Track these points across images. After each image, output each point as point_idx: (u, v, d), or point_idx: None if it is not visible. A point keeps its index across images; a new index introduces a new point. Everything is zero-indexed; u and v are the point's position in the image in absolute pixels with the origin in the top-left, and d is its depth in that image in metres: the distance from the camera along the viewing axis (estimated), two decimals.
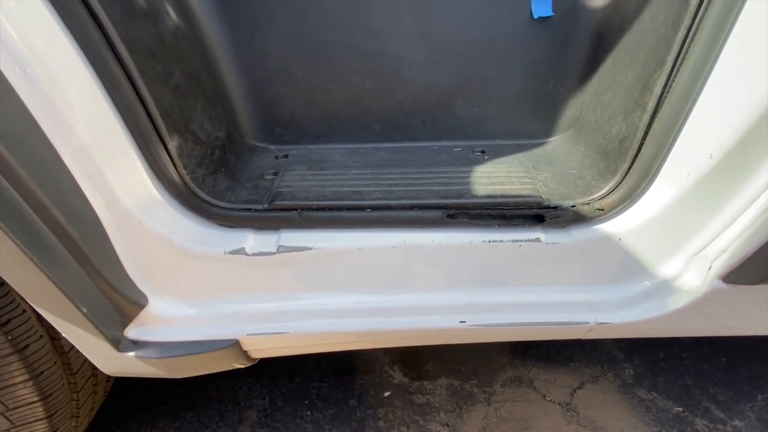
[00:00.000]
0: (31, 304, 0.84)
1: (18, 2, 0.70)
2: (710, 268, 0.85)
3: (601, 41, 1.10)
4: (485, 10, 1.14)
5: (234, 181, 1.06)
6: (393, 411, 1.48)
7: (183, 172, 0.92)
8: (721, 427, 1.41)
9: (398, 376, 1.60)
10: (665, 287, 0.93)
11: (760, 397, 1.50)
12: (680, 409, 1.46)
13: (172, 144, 0.89)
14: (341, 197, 0.97)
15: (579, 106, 1.17)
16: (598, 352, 1.67)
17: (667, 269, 0.93)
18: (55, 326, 0.88)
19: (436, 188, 1.00)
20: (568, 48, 1.14)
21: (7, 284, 0.88)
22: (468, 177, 1.04)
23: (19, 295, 0.91)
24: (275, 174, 1.09)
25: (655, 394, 1.51)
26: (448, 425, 1.43)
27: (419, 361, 1.65)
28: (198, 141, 0.99)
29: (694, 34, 0.77)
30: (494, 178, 1.04)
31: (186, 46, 1.04)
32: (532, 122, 1.23)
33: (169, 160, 0.90)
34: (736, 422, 1.42)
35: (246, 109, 1.21)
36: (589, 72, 1.13)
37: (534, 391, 1.53)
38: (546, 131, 1.23)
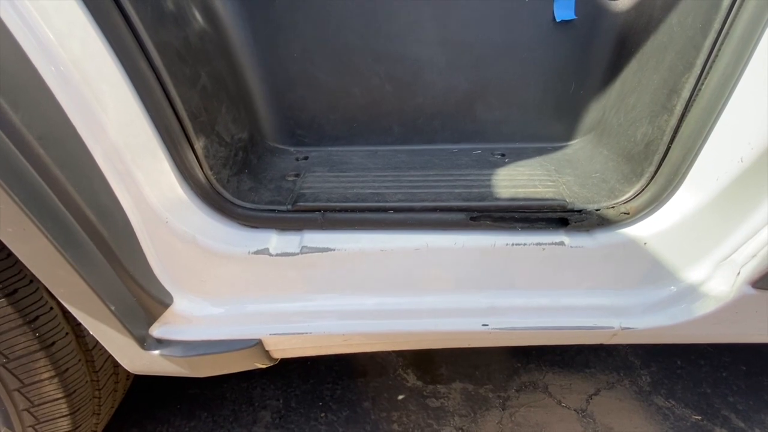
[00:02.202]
0: (61, 301, 0.85)
1: (55, 5, 0.71)
2: (739, 273, 0.84)
3: (624, 44, 1.10)
4: (507, 14, 1.14)
5: (257, 182, 1.07)
6: (407, 414, 1.47)
7: (209, 173, 0.93)
8: None
9: (412, 380, 1.59)
10: (692, 292, 0.92)
11: None
12: (699, 418, 1.44)
13: (199, 145, 0.90)
14: (364, 199, 0.98)
15: (601, 109, 1.17)
16: (614, 358, 1.65)
17: (694, 274, 0.92)
18: (83, 323, 0.89)
19: (457, 191, 1.00)
20: (590, 51, 1.14)
21: (36, 282, 0.90)
22: (490, 179, 1.04)
23: (47, 293, 0.92)
24: (297, 175, 1.10)
25: (672, 402, 1.49)
26: (462, 429, 1.42)
27: (433, 365, 1.64)
28: (223, 142, 1.01)
29: (725, 37, 0.77)
30: (516, 180, 1.03)
31: (212, 49, 1.05)
32: (552, 125, 1.22)
33: (195, 161, 0.91)
34: (757, 431, 1.39)
35: (268, 111, 1.22)
36: (611, 75, 1.13)
37: (549, 397, 1.52)
38: (567, 134, 1.22)
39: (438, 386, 1.56)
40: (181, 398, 1.53)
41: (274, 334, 0.97)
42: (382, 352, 1.68)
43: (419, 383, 1.58)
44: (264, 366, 1.08)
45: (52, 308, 0.95)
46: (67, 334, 0.98)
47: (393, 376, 1.61)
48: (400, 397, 1.53)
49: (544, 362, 1.63)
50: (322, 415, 1.48)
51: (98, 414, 1.16)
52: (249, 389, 1.57)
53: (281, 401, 1.53)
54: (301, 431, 1.43)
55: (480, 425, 1.43)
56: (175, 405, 1.51)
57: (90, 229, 0.78)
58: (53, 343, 0.95)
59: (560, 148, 1.21)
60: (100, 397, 1.13)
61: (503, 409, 1.48)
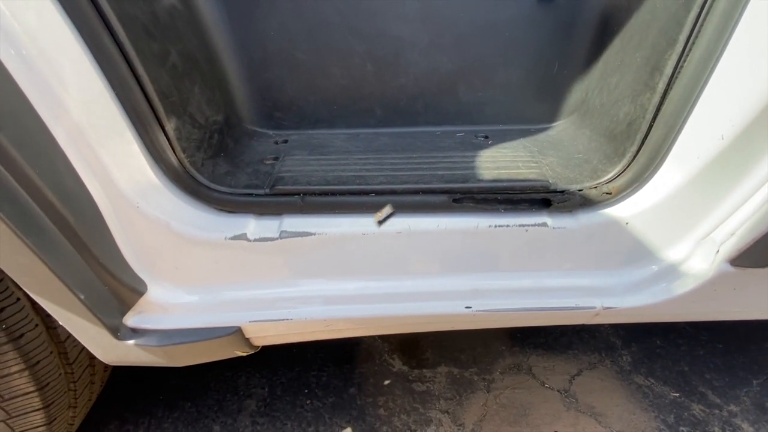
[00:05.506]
0: (27, 291, 0.81)
1: None
2: (718, 251, 0.85)
3: (607, 23, 1.08)
4: None
5: (233, 165, 1.03)
6: (393, 399, 1.47)
7: (182, 155, 0.89)
8: (717, 411, 1.42)
9: (398, 365, 1.59)
10: (672, 271, 0.93)
11: (755, 382, 1.52)
12: (677, 395, 1.48)
13: (170, 126, 0.86)
14: (344, 182, 0.95)
15: (584, 89, 1.16)
16: (596, 340, 1.68)
17: (674, 253, 0.93)
18: (51, 314, 0.86)
19: (440, 173, 0.98)
20: (573, 30, 1.13)
21: (1, 271, 0.86)
22: (472, 161, 1.02)
23: (14, 283, 0.88)
24: (275, 159, 1.07)
25: (652, 380, 1.52)
26: (448, 412, 1.43)
27: (419, 350, 1.65)
28: (196, 124, 0.97)
29: (707, 13, 0.76)
30: (499, 162, 1.02)
31: (182, 26, 1.00)
32: (536, 106, 1.21)
33: (167, 143, 0.87)
34: (732, 407, 1.44)
35: (244, 92, 1.18)
36: (595, 55, 1.12)
37: (533, 379, 1.54)
38: (550, 115, 1.21)
39: (424, 370, 1.57)
40: (163, 389, 1.51)
41: (254, 321, 0.95)
42: (369, 338, 1.68)
43: (405, 368, 1.58)
44: (245, 354, 1.06)
45: (19, 299, 0.91)
46: (36, 325, 0.94)
47: (379, 361, 1.61)
48: (386, 382, 1.53)
49: (528, 345, 1.65)
50: (308, 402, 1.47)
51: (75, 407, 1.13)
52: (234, 378, 1.55)
53: (267, 389, 1.52)
54: (287, 418, 1.43)
55: (465, 408, 1.44)
56: (157, 395, 1.49)
57: (53, 213, 0.74)
58: (21, 336, 0.91)
59: (544, 129, 1.20)
60: (75, 390, 1.09)
61: (488, 392, 1.49)
